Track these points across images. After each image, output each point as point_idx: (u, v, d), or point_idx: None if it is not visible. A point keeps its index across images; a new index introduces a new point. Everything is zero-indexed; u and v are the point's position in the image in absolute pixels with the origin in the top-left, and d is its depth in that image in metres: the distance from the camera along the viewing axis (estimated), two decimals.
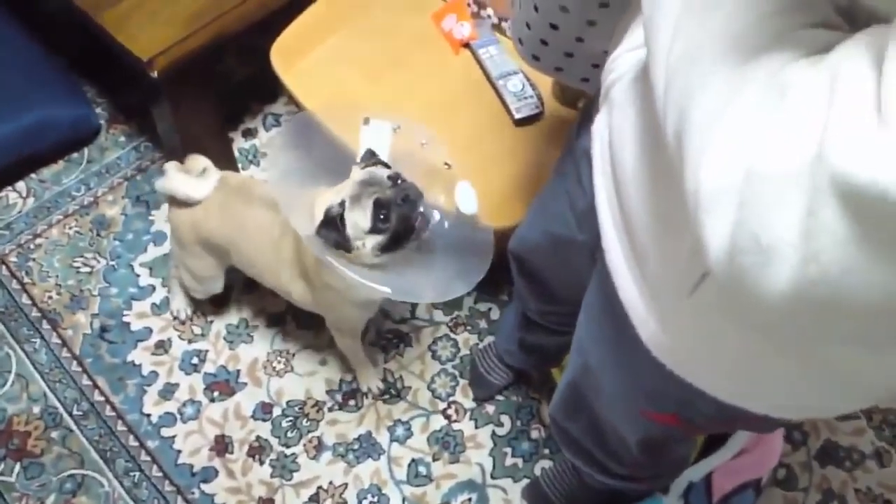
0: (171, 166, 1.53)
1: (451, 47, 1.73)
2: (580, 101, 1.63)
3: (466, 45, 1.73)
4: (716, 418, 0.88)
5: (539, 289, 1.34)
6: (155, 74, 1.55)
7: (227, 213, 1.51)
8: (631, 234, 0.78)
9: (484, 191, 1.52)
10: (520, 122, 1.63)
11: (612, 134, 0.80)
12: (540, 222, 1.20)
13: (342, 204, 1.24)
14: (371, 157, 1.33)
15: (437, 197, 1.40)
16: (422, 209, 1.28)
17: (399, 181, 1.27)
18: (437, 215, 1.39)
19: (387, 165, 1.33)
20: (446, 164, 1.44)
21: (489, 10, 1.74)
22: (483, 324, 1.83)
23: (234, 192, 1.52)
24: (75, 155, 2.01)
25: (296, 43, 1.72)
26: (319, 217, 1.25)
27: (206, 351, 1.76)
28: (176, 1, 1.61)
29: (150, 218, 1.91)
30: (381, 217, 1.23)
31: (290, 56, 1.70)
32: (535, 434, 1.71)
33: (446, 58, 1.73)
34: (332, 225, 1.24)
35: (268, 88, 2.01)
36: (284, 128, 1.34)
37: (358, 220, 1.24)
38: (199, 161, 1.55)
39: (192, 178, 1.53)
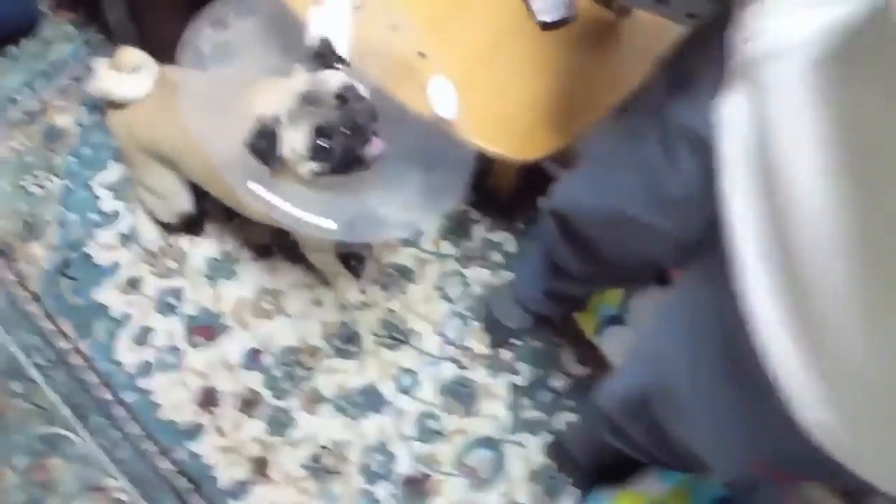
0: (100, 64, 1.30)
1: None
2: (616, 1, 1.35)
3: None
4: (844, 485, 0.70)
5: (585, 253, 1.14)
6: None
7: (167, 114, 1.26)
8: (800, 289, 0.56)
9: (502, 112, 1.29)
10: (546, 27, 1.36)
11: (768, 136, 0.57)
12: (601, 191, 0.99)
13: (277, 119, 1.04)
14: (319, 58, 1.09)
15: (408, 96, 1.17)
16: (373, 135, 1.06)
17: (348, 100, 1.05)
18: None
19: (342, 61, 1.10)
20: (420, 53, 1.20)
21: None
22: (497, 257, 1.63)
23: (175, 88, 1.26)
24: (13, 49, 1.69)
25: None
26: (251, 126, 1.04)
27: (184, 289, 1.55)
28: None
29: None
30: (321, 146, 1.03)
31: None
32: (555, 383, 1.54)
33: None
34: (264, 141, 1.04)
35: None
36: None
37: (294, 142, 1.05)
38: (131, 55, 1.30)
39: (125, 75, 1.29)
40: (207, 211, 1.59)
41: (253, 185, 1.03)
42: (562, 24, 1.36)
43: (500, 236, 1.64)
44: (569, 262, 1.20)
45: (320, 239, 1.38)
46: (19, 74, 1.68)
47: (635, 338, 1.00)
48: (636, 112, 0.90)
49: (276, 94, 1.06)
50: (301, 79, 1.07)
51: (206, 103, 1.11)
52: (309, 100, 1.05)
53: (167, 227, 1.56)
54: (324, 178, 1.08)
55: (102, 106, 1.59)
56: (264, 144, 1.04)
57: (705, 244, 0.74)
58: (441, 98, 1.17)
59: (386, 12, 1.20)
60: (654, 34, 1.35)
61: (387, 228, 1.23)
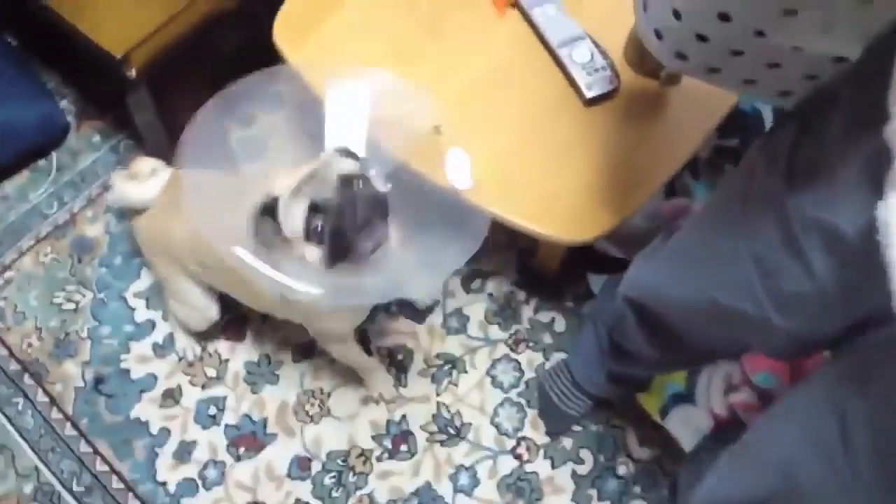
0: (116, 177, 1.32)
1: (495, 7, 1.39)
2: (664, 71, 1.31)
3: (514, 5, 1.39)
4: None
5: (665, 341, 1.06)
6: (133, 74, 1.22)
7: (176, 213, 1.23)
8: None
9: (548, 192, 1.23)
10: (591, 102, 1.31)
11: None
12: (695, 281, 0.93)
13: (276, 197, 1.00)
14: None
15: (425, 169, 1.13)
16: (376, 228, 1.01)
17: (354, 185, 0.99)
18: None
19: (355, 157, 1.06)
20: (436, 128, 1.16)
21: None
22: (547, 338, 1.55)
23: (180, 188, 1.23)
24: (42, 162, 1.68)
25: (304, 13, 1.38)
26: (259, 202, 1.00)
27: (225, 397, 1.48)
28: None
29: None
30: (315, 226, 0.98)
31: (297, 31, 1.36)
32: (622, 470, 1.44)
33: (490, 22, 1.39)
34: (268, 218, 1.00)
35: (273, 57, 1.66)
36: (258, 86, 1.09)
37: (291, 219, 0.99)
38: (146, 163, 1.30)
39: (142, 182, 1.29)
40: (246, 316, 1.53)
41: (239, 251, 0.97)
42: (606, 98, 1.31)
43: (549, 316, 1.57)
44: (641, 348, 1.13)
45: (335, 329, 1.31)
46: (48, 187, 1.65)
47: (745, 439, 0.91)
48: (743, 201, 0.83)
49: (289, 179, 1.02)
50: (313, 162, 1.03)
51: (215, 201, 1.07)
52: (311, 178, 1.00)
53: (202, 335, 1.50)
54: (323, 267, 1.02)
55: (129, 213, 1.57)
56: (269, 224, 1.00)
57: (849, 345, 0.67)
58: (456, 169, 1.13)
59: (403, 91, 1.17)
60: (703, 104, 1.30)
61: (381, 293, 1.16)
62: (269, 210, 1.00)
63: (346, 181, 1.00)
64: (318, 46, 1.35)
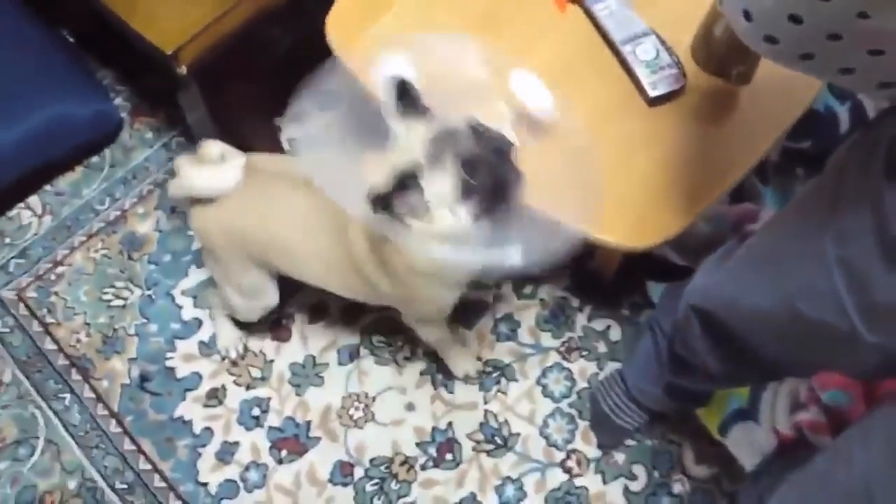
0: (181, 162, 1.22)
1: (556, 3, 1.34)
2: (734, 68, 1.23)
3: (576, 0, 1.33)
4: None
5: (733, 354, 1.01)
6: (183, 70, 1.20)
7: (262, 204, 1.19)
8: None
9: (610, 195, 1.16)
10: (655, 101, 1.24)
11: None
12: (773, 288, 0.87)
13: (417, 165, 0.95)
14: (408, 103, 0.99)
15: (489, 110, 1.05)
16: (516, 166, 0.97)
17: (481, 131, 0.96)
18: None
19: (426, 109, 1.00)
20: (487, 60, 1.09)
21: None
22: (602, 346, 1.49)
23: (267, 176, 1.21)
24: (95, 159, 1.68)
25: (357, 9, 1.34)
26: (381, 185, 0.94)
27: (269, 399, 1.45)
28: None
29: (190, 233, 1.57)
30: (472, 181, 0.95)
31: (350, 27, 1.32)
32: (677, 488, 1.37)
33: (550, 18, 1.33)
34: (406, 191, 0.94)
35: (325, 53, 1.63)
36: (313, 83, 1.04)
37: (440, 186, 0.95)
38: (213, 147, 1.22)
39: (211, 168, 1.21)
40: (293, 315, 1.51)
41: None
42: (672, 98, 1.24)
43: (604, 324, 1.51)
44: (705, 361, 1.06)
45: (434, 309, 1.27)
46: (100, 183, 1.65)
47: (816, 463, 0.84)
48: (831, 203, 0.77)
49: (397, 154, 0.98)
50: (423, 128, 0.98)
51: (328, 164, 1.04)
52: (441, 140, 0.96)
53: (249, 329, 1.48)
54: (468, 227, 0.98)
55: (180, 209, 1.55)
56: (407, 193, 0.95)
57: None
58: (529, 91, 1.07)
59: (441, 45, 1.12)
60: (775, 105, 1.23)
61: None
62: (404, 182, 0.94)
63: (477, 130, 0.97)
64: (372, 43, 1.32)
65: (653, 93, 1.23)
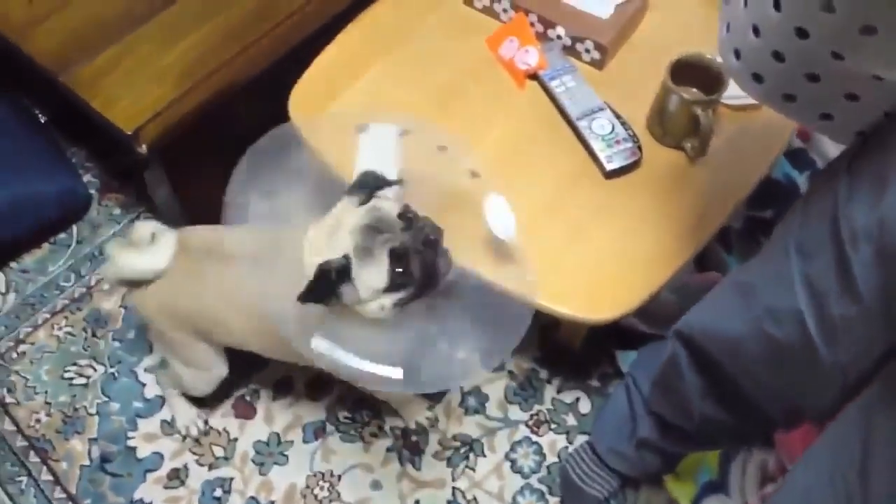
0: (114, 247, 1.23)
1: (514, 80, 1.37)
2: (688, 142, 1.26)
3: (534, 76, 1.36)
4: None
5: (719, 391, 1.02)
6: (143, 149, 1.21)
7: (197, 279, 1.19)
8: None
9: (567, 269, 1.17)
10: (612, 174, 1.26)
11: None
12: (742, 313, 0.90)
13: (346, 258, 0.94)
14: (363, 187, 1.01)
15: (461, 220, 1.08)
16: (444, 248, 0.99)
17: (412, 218, 0.97)
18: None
19: (391, 182, 1.03)
20: (472, 172, 1.13)
21: (559, 30, 1.37)
22: (571, 419, 1.47)
23: (200, 250, 1.21)
24: (62, 235, 1.68)
25: (320, 86, 1.37)
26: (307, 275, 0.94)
27: (232, 479, 1.42)
28: (162, 52, 1.27)
29: None
30: (401, 271, 0.95)
31: (313, 105, 1.35)
32: None
33: (510, 93, 1.36)
34: (331, 281, 0.94)
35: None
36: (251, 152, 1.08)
37: (371, 277, 0.95)
38: (144, 228, 1.23)
39: (143, 250, 1.21)
40: (257, 391, 1.48)
41: (316, 342, 0.95)
42: (628, 170, 1.26)
43: (573, 396, 1.49)
44: (690, 401, 1.06)
45: None
46: (66, 260, 1.65)
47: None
48: (801, 223, 0.81)
49: (328, 238, 0.98)
50: (354, 210, 0.99)
51: (254, 260, 1.04)
52: (374, 228, 0.96)
53: (213, 406, 1.45)
54: (397, 309, 0.99)
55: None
56: (325, 291, 0.95)
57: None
58: (498, 217, 1.09)
59: (433, 134, 1.15)
60: (731, 174, 1.25)
61: (457, 370, 1.11)
62: (338, 271, 0.94)
63: (406, 217, 0.98)
64: (332, 122, 1.33)
65: (609, 166, 1.25)
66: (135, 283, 1.23)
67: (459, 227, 1.05)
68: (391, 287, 0.96)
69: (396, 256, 0.95)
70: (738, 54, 0.75)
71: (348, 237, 0.96)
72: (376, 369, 0.97)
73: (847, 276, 0.72)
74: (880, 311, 0.70)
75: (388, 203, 1.00)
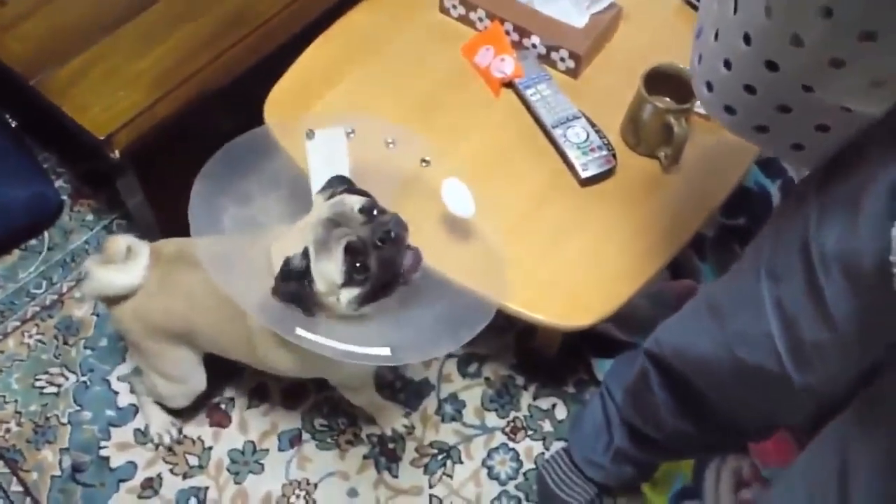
0: (91, 265, 1.23)
1: (490, 88, 1.37)
2: (661, 150, 1.27)
3: (509, 85, 1.37)
4: None
5: (689, 408, 1.02)
6: (116, 155, 1.20)
7: (171, 289, 1.20)
8: None
9: (543, 276, 1.18)
10: (587, 182, 1.27)
11: None
12: (713, 334, 0.90)
13: (305, 253, 0.96)
14: (337, 185, 1.04)
15: (419, 205, 1.12)
16: (409, 247, 0.99)
17: (375, 213, 0.98)
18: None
19: (354, 189, 1.04)
20: (423, 160, 1.15)
21: (535, 39, 1.38)
22: (547, 426, 1.47)
23: (172, 261, 1.21)
24: (33, 241, 1.66)
25: (294, 94, 1.36)
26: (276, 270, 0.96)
27: (207, 488, 1.40)
28: (135, 58, 1.25)
29: None
30: (357, 265, 0.95)
31: (288, 112, 1.34)
32: None
33: (485, 102, 1.36)
34: (294, 281, 0.96)
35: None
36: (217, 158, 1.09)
37: (327, 271, 0.96)
38: (118, 242, 1.23)
39: (119, 265, 1.22)
40: (232, 399, 1.47)
41: (301, 331, 0.95)
42: (603, 178, 1.27)
43: (549, 402, 1.49)
44: (661, 416, 1.06)
45: (360, 376, 1.29)
46: (37, 266, 1.62)
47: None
48: (772, 247, 0.81)
49: (296, 232, 1.00)
50: (322, 205, 1.01)
51: (227, 264, 1.04)
52: (334, 222, 0.97)
53: (187, 415, 1.44)
54: (365, 307, 0.99)
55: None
56: (294, 287, 0.96)
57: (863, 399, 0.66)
58: (455, 198, 1.11)
59: (380, 131, 1.16)
60: (705, 183, 1.26)
61: (434, 346, 1.11)
62: (293, 274, 0.96)
63: (368, 211, 0.98)
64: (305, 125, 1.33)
65: (584, 174, 1.26)
66: (113, 299, 1.23)
67: (418, 210, 1.06)
68: (347, 282, 0.96)
69: (352, 251, 0.95)
70: (709, 86, 0.76)
71: (310, 231, 0.97)
72: (363, 350, 0.97)
73: (819, 301, 0.71)
74: (854, 337, 0.70)
75: (353, 198, 1.01)
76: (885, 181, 0.62)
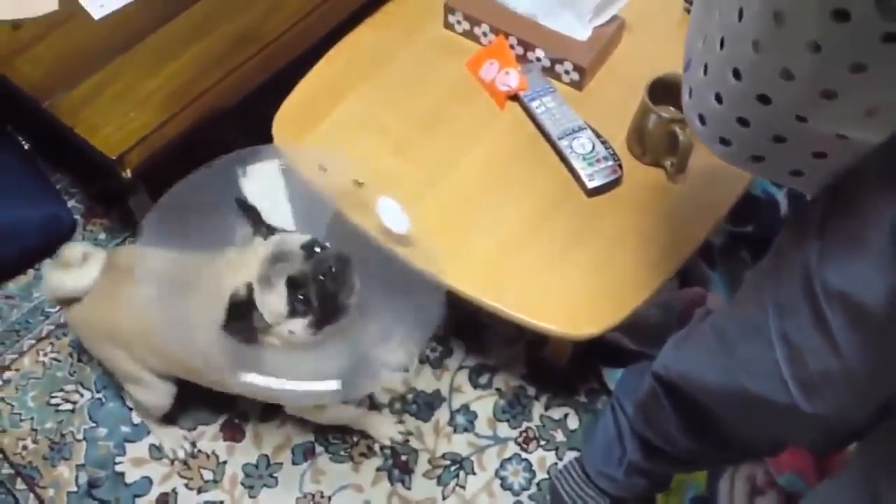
0: (46, 268, 1.29)
1: (495, 101, 1.39)
2: (667, 160, 1.28)
3: (514, 98, 1.38)
4: None
5: (700, 429, 1.02)
6: (128, 174, 1.22)
7: (115, 298, 1.22)
8: None
9: (552, 286, 1.19)
10: (593, 192, 1.28)
11: None
12: (723, 365, 0.89)
13: (249, 287, 1.02)
14: (249, 218, 1.10)
15: (359, 223, 1.19)
16: (351, 280, 1.05)
17: (317, 249, 1.05)
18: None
19: (272, 229, 1.09)
20: (356, 182, 1.21)
21: (539, 52, 1.39)
22: (560, 435, 1.47)
23: (123, 269, 1.24)
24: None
25: (303, 111, 1.38)
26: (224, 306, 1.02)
27: (221, 502, 1.41)
28: (146, 78, 1.27)
29: None
30: (300, 297, 1.01)
31: (296, 128, 1.36)
32: None
33: (491, 115, 1.38)
34: (241, 320, 1.02)
35: None
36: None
37: (272, 305, 1.02)
38: (75, 249, 1.28)
39: (72, 270, 1.26)
40: (245, 413, 1.48)
41: (248, 377, 1.01)
42: (609, 188, 1.28)
43: (561, 412, 1.50)
44: (671, 434, 1.06)
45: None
46: None
47: None
48: (775, 278, 0.80)
49: (241, 268, 1.04)
50: (265, 245, 1.06)
51: (170, 289, 1.08)
52: (276, 258, 1.03)
53: (201, 430, 1.45)
54: (311, 337, 1.04)
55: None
56: (242, 322, 1.01)
57: (877, 431, 0.65)
58: (390, 216, 1.17)
59: (313, 158, 1.20)
60: (711, 191, 1.27)
61: (383, 370, 1.19)
62: (243, 304, 1.01)
63: (309, 248, 1.04)
64: (317, 142, 1.35)
65: (590, 184, 1.27)
66: (67, 301, 1.26)
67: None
68: (292, 313, 1.02)
69: (294, 284, 1.01)
70: (702, 119, 0.75)
71: (255, 267, 1.02)
72: (311, 386, 1.04)
73: (826, 332, 0.70)
74: (863, 372, 0.69)
75: (295, 236, 1.07)
76: (889, 216, 0.62)
